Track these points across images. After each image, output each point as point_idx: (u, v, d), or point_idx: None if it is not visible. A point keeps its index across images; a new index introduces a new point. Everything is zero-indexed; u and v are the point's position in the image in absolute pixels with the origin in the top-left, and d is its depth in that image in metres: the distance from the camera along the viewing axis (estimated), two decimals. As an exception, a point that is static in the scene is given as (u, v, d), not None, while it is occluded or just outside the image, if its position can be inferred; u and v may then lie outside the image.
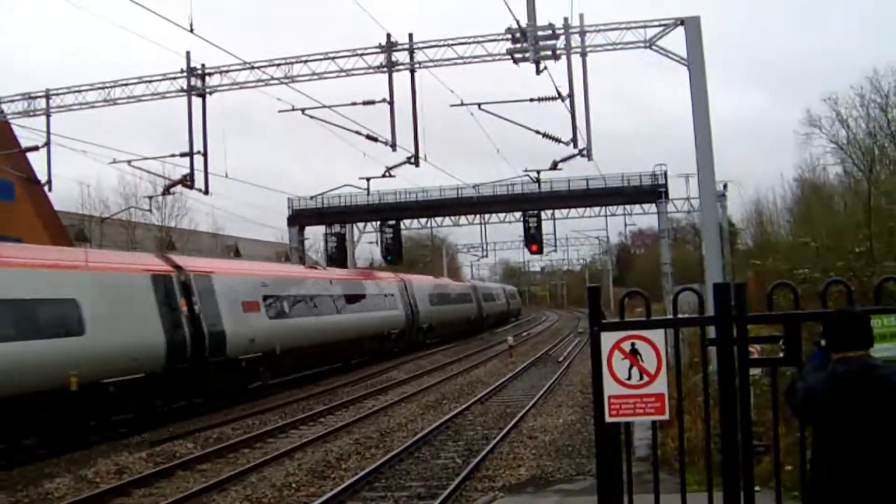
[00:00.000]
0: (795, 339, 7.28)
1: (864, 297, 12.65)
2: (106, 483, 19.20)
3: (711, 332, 7.47)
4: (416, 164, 32.54)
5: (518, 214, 66.40)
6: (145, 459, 21.60)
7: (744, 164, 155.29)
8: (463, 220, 73.89)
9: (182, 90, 33.19)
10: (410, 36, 31.55)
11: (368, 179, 40.92)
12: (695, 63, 28.05)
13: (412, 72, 31.51)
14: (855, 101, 60.37)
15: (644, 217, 75.18)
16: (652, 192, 63.72)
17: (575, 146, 30.83)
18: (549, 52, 28.46)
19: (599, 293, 8.03)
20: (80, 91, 34.73)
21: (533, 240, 61.42)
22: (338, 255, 63.87)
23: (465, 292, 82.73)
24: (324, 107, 32.51)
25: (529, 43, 27.99)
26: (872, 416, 6.14)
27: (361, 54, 32.08)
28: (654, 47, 29.38)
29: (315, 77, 32.79)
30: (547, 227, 71.22)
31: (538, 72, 28.62)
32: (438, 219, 73.46)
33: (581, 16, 29.57)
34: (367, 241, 79.75)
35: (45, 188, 38.97)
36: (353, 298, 48.39)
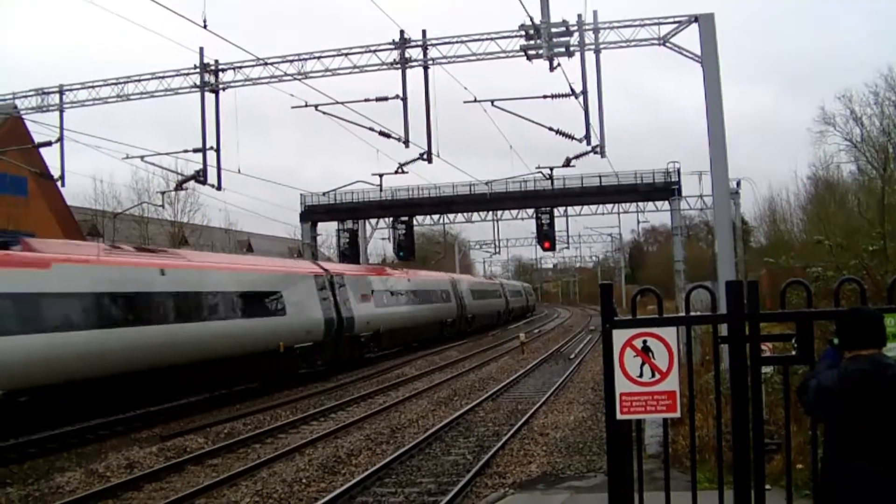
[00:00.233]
0: (808, 338, 7.25)
1: (877, 296, 12.62)
2: (117, 477, 19.23)
3: (724, 329, 7.45)
4: (429, 160, 32.49)
5: (531, 211, 66.25)
6: (156, 454, 21.62)
7: (755, 162, 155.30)
8: (475, 216, 73.90)
9: (195, 86, 33.22)
10: (424, 32, 31.55)
11: (381, 175, 40.83)
12: (708, 60, 27.98)
13: (425, 68, 31.49)
14: (869, 99, 60.12)
15: (657, 214, 75.35)
16: (665, 189, 63.50)
17: (588, 143, 30.76)
18: (563, 49, 28.38)
19: (612, 290, 8.04)
20: (93, 87, 34.80)
21: (546, 237, 61.23)
22: (350, 252, 63.77)
23: (495, 289, 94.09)
24: (337, 103, 32.48)
25: (543, 40, 27.93)
26: (884, 414, 6.12)
27: (375, 51, 32.10)
28: (667, 44, 29.35)
29: (328, 73, 32.82)
30: (560, 224, 71.15)
31: (552, 69, 28.56)
32: (451, 215, 73.50)
33: (595, 12, 29.59)
34: (379, 238, 79.97)
35: (59, 184, 38.94)
36: (423, 294, 61.44)
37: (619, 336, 7.31)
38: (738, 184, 64.07)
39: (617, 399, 7.30)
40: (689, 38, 29.03)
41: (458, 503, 16.06)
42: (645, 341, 7.24)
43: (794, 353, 7.43)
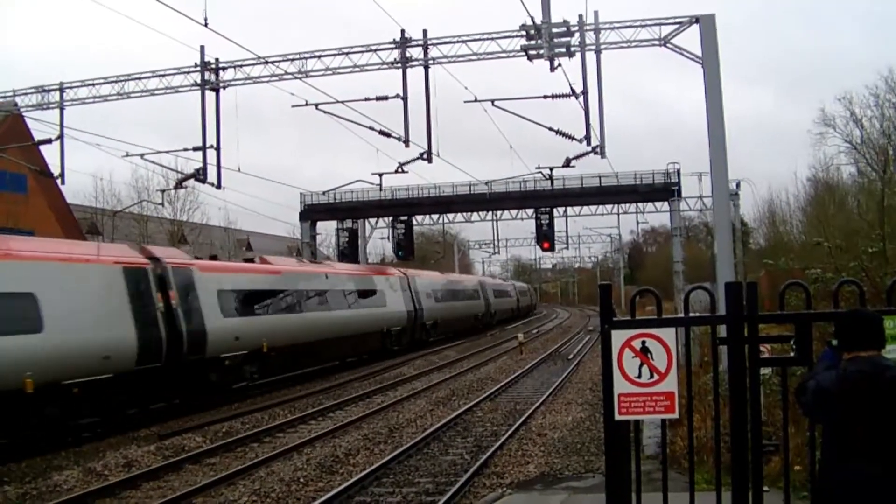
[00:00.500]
0: (807, 340, 7.25)
1: (876, 298, 12.61)
2: (115, 476, 19.23)
3: (722, 330, 7.44)
4: (429, 160, 32.50)
5: (530, 211, 66.23)
6: (154, 453, 21.63)
7: (754, 163, 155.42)
8: (475, 216, 73.90)
9: (196, 84, 33.24)
10: (424, 32, 31.57)
11: (381, 175, 40.84)
12: (709, 61, 27.98)
13: (426, 68, 31.52)
14: (869, 101, 60.08)
15: (656, 215, 75.34)
16: (665, 190, 63.53)
17: (588, 144, 30.78)
18: (564, 50, 28.37)
19: (611, 291, 8.02)
20: (93, 84, 34.80)
21: (545, 237, 61.22)
22: (350, 251, 63.80)
23: (508, 289, 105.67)
24: (337, 102, 32.49)
25: (544, 40, 27.93)
26: (883, 415, 6.12)
27: (375, 50, 32.13)
28: (668, 45, 29.37)
29: (329, 72, 32.85)
30: (559, 224, 71.10)
31: (552, 69, 28.55)
32: (450, 215, 73.53)
33: (596, 13, 29.60)
34: (378, 237, 79.91)
35: (58, 181, 38.94)
36: (463, 293, 75.49)
37: (618, 337, 7.31)
38: (738, 185, 64.12)
39: (615, 400, 7.29)
40: (690, 38, 29.07)
41: (457, 503, 16.05)
42: (644, 342, 7.24)
43: (792, 354, 7.44)
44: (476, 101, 31.70)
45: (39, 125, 38.34)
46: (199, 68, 32.91)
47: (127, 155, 35.57)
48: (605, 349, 7.35)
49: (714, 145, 27.79)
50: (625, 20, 30.02)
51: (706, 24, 28.30)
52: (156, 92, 34.45)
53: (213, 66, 32.96)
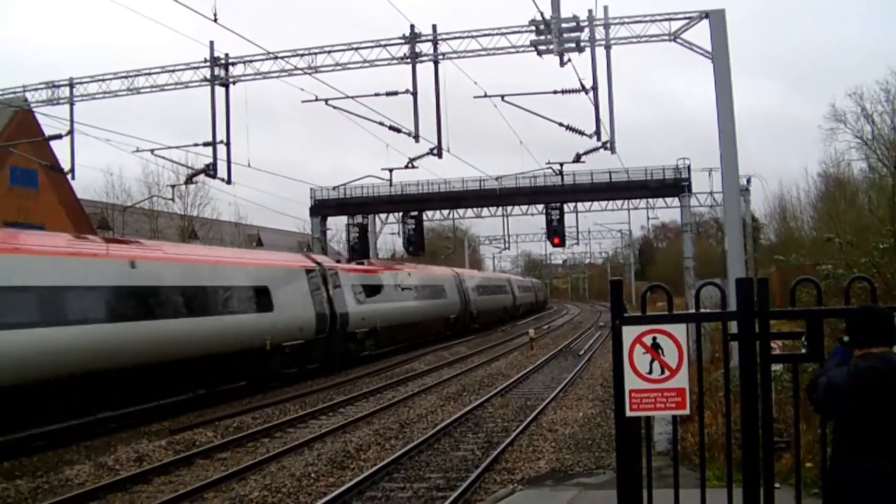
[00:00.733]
0: (818, 336, 7.23)
1: (887, 294, 12.61)
2: (126, 470, 19.27)
3: (733, 327, 7.43)
4: (439, 155, 32.43)
5: (541, 207, 66.14)
6: (165, 447, 21.67)
7: (763, 158, 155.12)
8: (485, 211, 73.82)
9: (205, 80, 33.21)
10: (434, 27, 31.50)
11: (391, 170, 40.80)
12: (719, 56, 27.91)
13: (436, 63, 31.45)
14: (880, 96, 59.93)
15: (667, 211, 75.15)
16: (675, 185, 63.47)
17: (598, 139, 30.69)
18: (573, 45, 28.33)
19: (622, 287, 8.01)
20: (103, 80, 34.79)
21: (555, 232, 61.11)
22: (360, 246, 63.80)
23: (530, 285, 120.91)
24: (347, 97, 32.46)
25: (553, 35, 27.88)
26: (894, 412, 6.11)
27: (385, 45, 32.06)
28: (678, 40, 29.28)
29: (338, 67, 32.79)
30: (569, 219, 71.18)
31: (562, 64, 28.52)
32: (461, 210, 73.46)
33: (605, 8, 29.51)
34: (388, 232, 80.00)
35: (69, 176, 38.98)
36: (495, 289, 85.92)
37: (629, 333, 7.29)
38: (749, 181, 64.00)
39: (626, 396, 7.28)
40: (699, 33, 28.99)
41: (467, 499, 16.06)
42: (654, 338, 7.22)
43: (803, 350, 7.41)
44: (486, 96, 31.66)
45: (50, 121, 38.38)
46: (208, 64, 32.90)
47: (137, 150, 35.57)
48: (616, 345, 7.34)
49: (724, 141, 27.73)
50: (634, 15, 29.95)
51: (716, 19, 28.22)
52: (166, 87, 34.43)
53: (223, 61, 32.95)
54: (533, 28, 28.77)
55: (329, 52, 32.80)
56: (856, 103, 62.19)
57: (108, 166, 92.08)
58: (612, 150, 30.98)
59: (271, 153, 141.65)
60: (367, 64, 32.46)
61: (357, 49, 32.51)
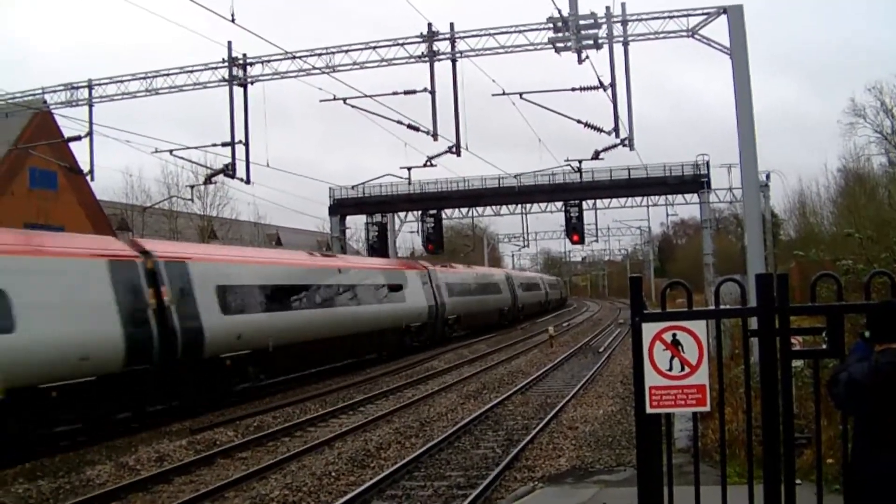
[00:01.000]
0: (838, 331, 7.20)
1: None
2: (147, 470, 19.32)
3: (753, 323, 7.41)
4: (458, 153, 32.46)
5: (559, 204, 66.20)
6: (186, 447, 21.71)
7: (782, 155, 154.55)
8: (504, 209, 73.81)
9: (223, 80, 33.30)
10: (451, 25, 31.51)
11: (409, 169, 40.87)
12: (737, 52, 27.82)
13: (453, 61, 31.47)
14: (900, 91, 59.78)
15: (686, 207, 74.84)
16: (694, 182, 63.37)
17: (617, 136, 30.68)
18: (591, 42, 28.33)
19: (641, 283, 7.99)
20: (122, 81, 34.91)
21: (574, 230, 61.14)
22: (379, 245, 63.90)
23: (556, 282, 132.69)
24: (365, 96, 32.51)
25: (571, 32, 27.88)
26: (915, 408, 6.09)
27: (402, 44, 32.09)
28: (696, 36, 29.22)
29: (356, 66, 32.83)
30: (588, 216, 71.23)
31: (580, 61, 28.53)
32: (480, 208, 73.39)
33: (623, 4, 29.49)
34: (408, 231, 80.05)
35: (88, 178, 39.11)
36: (532, 286, 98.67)
37: (649, 329, 7.28)
38: (768, 176, 63.82)
39: (646, 393, 7.27)
40: (717, 29, 28.92)
41: (488, 496, 16.05)
42: (674, 335, 7.20)
43: (824, 346, 7.38)
44: (504, 94, 31.69)
45: (69, 122, 38.55)
46: (226, 64, 32.98)
47: (156, 151, 35.70)
48: (636, 342, 7.33)
49: (743, 136, 27.63)
50: (652, 11, 29.90)
51: (734, 15, 28.14)
52: (184, 88, 34.53)
53: (241, 61, 33.03)
54: (551, 25, 28.78)
55: (347, 51, 32.85)
56: (875, 98, 62.14)
57: (127, 167, 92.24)
58: (631, 146, 30.98)
59: (286, 152, 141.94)
60: (384, 63, 32.51)
61: (375, 48, 32.56)
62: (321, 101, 32.96)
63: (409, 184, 54.26)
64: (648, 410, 7.30)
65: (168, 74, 34.65)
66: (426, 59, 31.52)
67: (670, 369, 7.20)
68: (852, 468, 6.66)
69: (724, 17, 28.42)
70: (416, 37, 31.65)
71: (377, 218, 65.69)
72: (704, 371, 7.18)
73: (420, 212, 66.08)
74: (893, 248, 18.28)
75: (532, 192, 66.44)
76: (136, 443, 22.58)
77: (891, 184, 48.71)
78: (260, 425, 25.03)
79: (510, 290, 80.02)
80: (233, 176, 33.19)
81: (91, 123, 34.91)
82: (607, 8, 28.93)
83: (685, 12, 29.43)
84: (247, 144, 32.73)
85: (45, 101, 37.11)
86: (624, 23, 29.43)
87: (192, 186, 52.84)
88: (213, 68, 33.60)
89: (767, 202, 62.95)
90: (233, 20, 26.31)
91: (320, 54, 32.96)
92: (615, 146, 31.56)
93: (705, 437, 15.29)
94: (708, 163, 63.12)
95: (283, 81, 34.45)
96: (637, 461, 7.75)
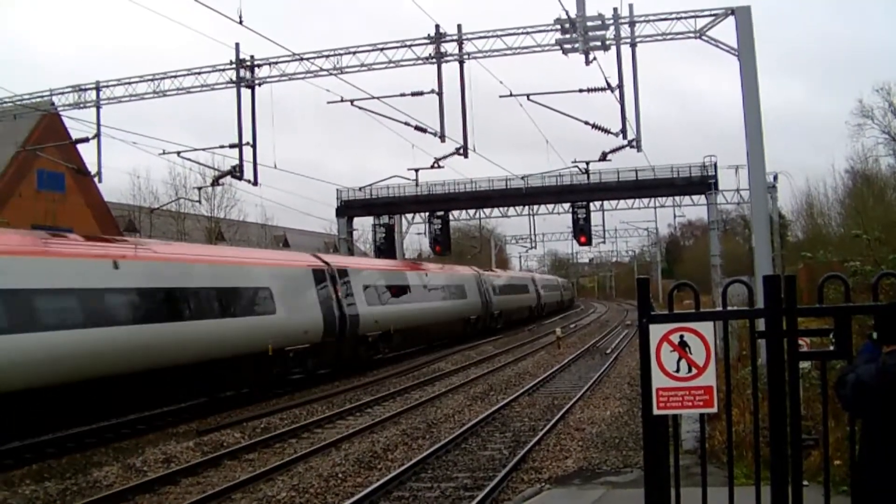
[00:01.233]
0: (846, 333, 7.19)
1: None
2: (154, 472, 19.34)
3: (761, 324, 7.40)
4: (465, 155, 32.46)
5: (567, 206, 66.06)
6: (193, 448, 21.73)
7: (789, 155, 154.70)
8: (511, 211, 73.86)
9: (231, 81, 33.31)
10: (459, 27, 31.49)
11: (417, 170, 40.84)
12: (745, 53, 27.77)
13: (461, 63, 31.46)
14: (907, 92, 59.66)
15: (693, 209, 74.84)
16: (701, 183, 63.33)
17: (624, 137, 30.66)
18: (599, 43, 28.31)
19: (648, 285, 7.98)
20: (129, 83, 34.93)
21: (581, 231, 60.95)
22: (386, 246, 63.86)
23: (566, 285, 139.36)
24: (372, 98, 32.52)
25: (579, 33, 27.87)
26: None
27: (410, 45, 32.08)
28: (703, 37, 29.17)
29: (364, 68, 32.82)
30: (596, 218, 71.18)
31: (587, 62, 28.50)
32: (487, 210, 73.44)
33: (630, 6, 29.46)
34: (415, 232, 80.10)
35: (95, 179, 39.14)
36: (552, 286, 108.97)
37: (656, 331, 7.27)
38: (775, 178, 63.73)
39: (653, 394, 7.26)
40: (725, 31, 28.88)
41: (495, 498, 16.05)
42: (682, 336, 7.20)
43: (832, 348, 7.37)
44: (511, 95, 31.69)
45: (76, 124, 38.77)
46: (234, 66, 33.00)
47: (164, 153, 35.67)
48: (644, 343, 7.32)
49: (751, 138, 27.57)
50: (660, 13, 29.87)
51: (742, 16, 28.09)
52: (192, 90, 34.53)
53: (249, 63, 33.05)
54: (558, 27, 28.77)
55: (354, 52, 32.84)
56: (883, 99, 62.09)
57: (134, 169, 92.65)
58: (639, 148, 30.98)
59: (290, 154, 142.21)
60: (392, 64, 32.49)
61: (382, 49, 32.55)
62: (329, 102, 32.99)
63: (417, 185, 54.16)
64: (655, 412, 7.29)
65: (176, 76, 34.67)
66: (434, 60, 31.51)
67: (677, 371, 7.19)
68: (860, 470, 6.65)
69: (731, 19, 28.39)
70: (424, 38, 31.65)
71: (384, 219, 65.65)
72: (712, 372, 7.17)
73: (427, 213, 65.92)
74: (901, 249, 18.23)
75: (539, 193, 66.49)
76: (143, 444, 22.62)
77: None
78: (267, 427, 25.04)
79: (535, 290, 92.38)
80: (240, 177, 33.18)
81: (99, 125, 34.94)
82: (615, 9, 28.94)
83: (693, 14, 29.41)
84: (254, 146, 32.73)
85: (52, 103, 37.14)
86: (631, 24, 29.41)
87: (199, 188, 52.77)
88: (220, 70, 33.61)
89: (775, 203, 62.87)
90: (240, 22, 26.32)
91: (328, 56, 32.96)
92: (622, 148, 31.55)
93: (712, 438, 15.27)
94: (715, 164, 63.11)
95: (286, 84, 34.47)
96: (644, 462, 7.74)
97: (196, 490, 17.88)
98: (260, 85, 33.35)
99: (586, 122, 31.61)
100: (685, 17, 29.55)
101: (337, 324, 37.59)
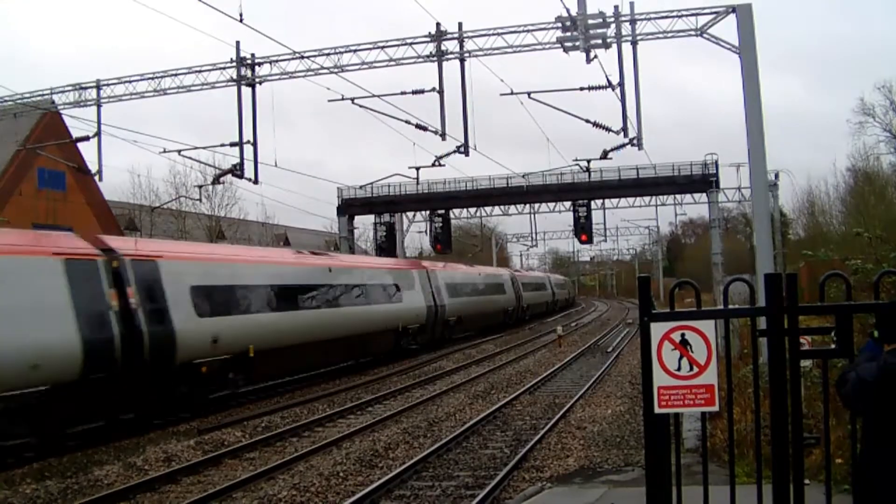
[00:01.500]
0: (847, 331, 7.17)
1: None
2: (155, 470, 19.32)
3: (762, 322, 7.39)
4: (466, 153, 32.46)
5: (568, 204, 66.01)
6: (194, 447, 21.71)
7: (791, 153, 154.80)
8: (512, 209, 73.79)
9: (232, 80, 33.32)
10: (460, 25, 31.51)
11: (418, 169, 40.84)
12: (746, 51, 27.75)
13: (462, 61, 31.46)
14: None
15: (694, 207, 74.82)
16: (703, 181, 63.23)
17: (625, 135, 30.67)
18: (600, 41, 28.31)
19: (650, 283, 7.97)
20: (129, 81, 34.93)
21: (583, 230, 60.93)
22: (387, 245, 63.88)
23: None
24: (373, 96, 32.53)
25: (579, 31, 27.87)
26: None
27: (411, 43, 32.09)
28: (704, 35, 29.16)
29: (364, 66, 32.83)
30: (597, 216, 71.02)
31: (588, 60, 28.49)
32: (488, 208, 73.35)
33: (632, 3, 29.46)
34: (416, 231, 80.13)
35: (96, 178, 39.14)
36: (562, 285, 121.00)
37: (657, 329, 7.25)
38: (777, 176, 63.74)
39: (655, 393, 7.24)
40: (726, 28, 28.88)
41: (496, 496, 16.04)
42: (683, 334, 7.18)
43: (833, 346, 7.36)
44: (512, 93, 31.69)
45: (77, 123, 38.74)
46: (234, 64, 33.01)
47: (164, 151, 35.68)
48: (645, 342, 7.30)
49: (752, 136, 27.55)
50: (660, 11, 29.86)
51: (743, 14, 28.08)
52: (192, 88, 34.54)
53: (249, 61, 33.05)
54: (559, 25, 28.78)
55: (355, 51, 32.85)
56: (884, 97, 62.10)
57: (133, 167, 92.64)
58: (640, 146, 30.99)
59: (291, 152, 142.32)
60: (392, 62, 32.50)
61: (383, 48, 32.56)
62: (329, 100, 33.00)
63: (418, 184, 54.23)
64: (657, 410, 7.28)
65: (176, 74, 34.69)
66: (434, 58, 31.52)
67: (679, 369, 7.18)
68: (861, 468, 6.64)
69: (732, 16, 28.38)
70: (425, 36, 31.66)
71: (385, 218, 65.63)
72: (713, 371, 7.16)
73: (428, 212, 65.99)
74: (903, 247, 18.22)
75: (540, 191, 66.36)
76: (144, 443, 22.61)
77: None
78: (268, 425, 25.03)
79: (551, 288, 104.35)
80: (241, 176, 33.21)
81: (99, 123, 34.96)
82: (616, 7, 28.94)
83: (694, 11, 29.40)
84: (255, 144, 32.76)
85: (53, 102, 37.19)
86: (632, 22, 29.40)
87: (200, 186, 52.84)
88: (221, 68, 33.64)
89: (776, 201, 62.94)
90: (241, 20, 26.31)
91: (328, 54, 32.97)
92: (624, 146, 31.58)
93: (714, 436, 15.25)
94: (717, 162, 62.99)
95: (286, 82, 34.47)
96: (645, 461, 7.72)
97: (197, 489, 17.87)
98: (260, 83, 33.38)
99: (587, 121, 31.65)
100: (686, 15, 29.54)
101: (435, 311, 50.69)
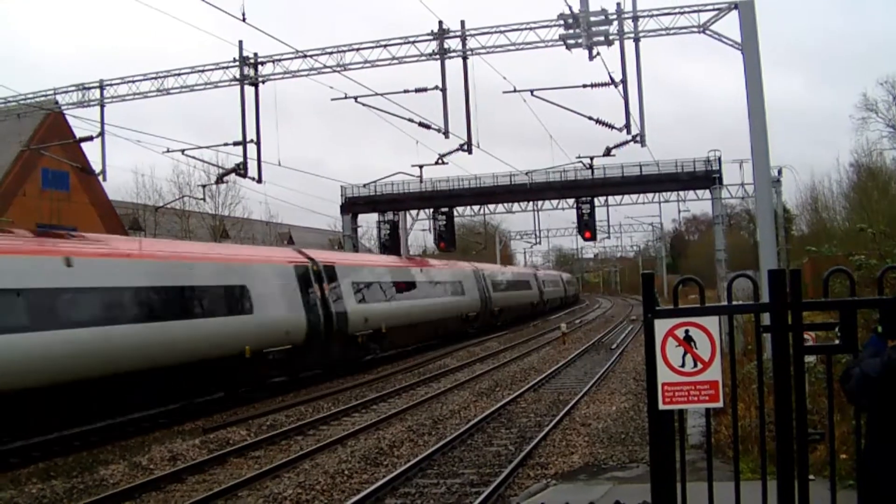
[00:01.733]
0: (851, 327, 7.17)
1: (921, 284, 12.50)
2: (160, 469, 19.35)
3: (766, 318, 7.39)
4: (469, 150, 32.46)
5: (571, 201, 65.95)
6: (199, 446, 21.74)
7: (794, 149, 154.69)
8: (516, 206, 73.86)
9: (235, 79, 33.34)
10: (462, 23, 31.52)
11: (421, 167, 40.89)
12: (749, 47, 27.72)
13: (464, 59, 31.46)
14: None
15: (698, 203, 74.75)
16: (706, 178, 63.09)
17: (628, 132, 30.65)
18: (602, 38, 28.31)
19: (653, 280, 7.97)
20: (133, 81, 34.95)
21: (586, 227, 60.85)
22: (391, 243, 63.84)
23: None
24: (376, 94, 32.54)
25: (582, 29, 27.88)
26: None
27: (413, 42, 32.09)
28: (707, 32, 29.14)
29: (367, 65, 32.83)
30: (600, 213, 71.05)
31: (591, 58, 28.50)
32: (491, 206, 73.30)
33: (634, 0, 29.42)
34: (419, 229, 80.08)
35: (100, 178, 39.18)
36: (568, 284, 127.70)
37: (661, 326, 7.25)
38: (780, 172, 63.64)
39: (659, 389, 7.24)
40: (728, 25, 28.86)
41: (501, 494, 16.05)
42: (687, 331, 7.18)
43: (837, 341, 7.36)
44: (515, 91, 31.66)
45: (80, 123, 38.63)
46: (237, 63, 33.02)
47: (168, 151, 35.78)
48: (649, 338, 7.31)
49: (755, 132, 27.53)
50: (663, 7, 29.86)
51: (745, 10, 28.05)
52: (195, 87, 34.56)
53: (252, 60, 33.07)
54: (561, 22, 28.77)
55: (358, 49, 32.85)
56: (888, 92, 62.10)
57: (136, 167, 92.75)
58: (643, 142, 30.94)
59: (294, 151, 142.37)
60: (395, 61, 32.49)
61: (386, 46, 32.56)
62: (332, 99, 33.07)
63: (421, 182, 54.30)
64: (661, 407, 7.28)
65: (179, 74, 34.70)
66: (437, 56, 31.52)
67: (683, 365, 7.18)
68: (866, 463, 6.64)
69: (734, 13, 28.36)
70: (427, 34, 31.66)
71: (389, 216, 65.59)
72: (717, 367, 7.16)
73: (432, 210, 65.93)
74: (906, 243, 18.20)
75: (544, 189, 66.24)
76: (150, 442, 22.65)
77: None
78: (273, 424, 25.06)
79: (563, 285, 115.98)
80: (244, 175, 33.24)
81: (102, 124, 34.99)
82: (618, 4, 28.92)
83: (696, 8, 29.38)
84: (258, 143, 32.81)
85: (56, 102, 37.19)
86: (635, 19, 29.38)
87: (203, 186, 52.91)
88: (224, 67, 33.67)
89: (780, 198, 62.79)
90: (244, 19, 26.34)
91: (331, 53, 32.98)
92: (627, 143, 31.54)
93: (718, 433, 15.27)
94: (720, 159, 62.81)
95: (289, 81, 34.48)
96: (650, 457, 7.73)
97: (202, 488, 17.88)
98: (263, 82, 33.40)
99: (590, 118, 31.65)
100: (688, 12, 29.53)
101: (485, 303, 62.86)
